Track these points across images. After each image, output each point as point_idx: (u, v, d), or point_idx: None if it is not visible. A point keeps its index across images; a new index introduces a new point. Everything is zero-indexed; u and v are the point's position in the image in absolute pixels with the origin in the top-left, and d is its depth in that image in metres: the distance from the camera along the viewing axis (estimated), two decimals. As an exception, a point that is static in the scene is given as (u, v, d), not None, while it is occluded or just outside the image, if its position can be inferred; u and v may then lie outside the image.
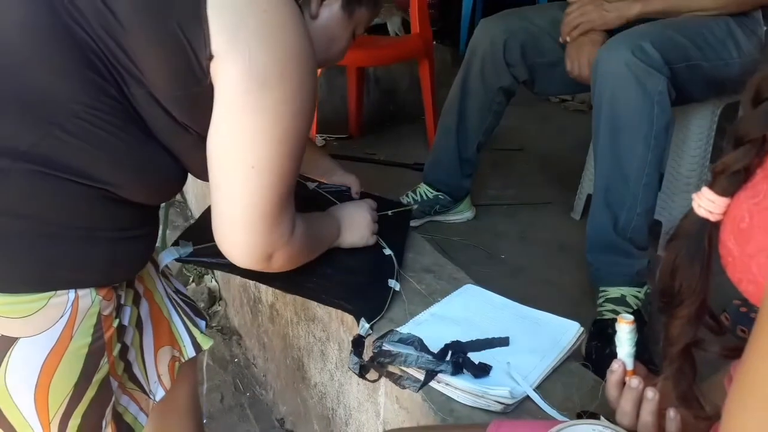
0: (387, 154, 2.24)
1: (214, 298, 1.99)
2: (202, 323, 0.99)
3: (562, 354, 0.95)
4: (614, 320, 1.24)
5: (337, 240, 1.07)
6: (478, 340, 0.95)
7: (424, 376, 0.87)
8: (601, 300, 1.31)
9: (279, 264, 0.85)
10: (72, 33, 0.68)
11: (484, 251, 1.64)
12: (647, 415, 0.63)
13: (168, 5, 0.69)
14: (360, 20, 0.90)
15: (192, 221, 2.04)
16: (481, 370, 0.89)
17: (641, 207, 1.31)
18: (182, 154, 0.77)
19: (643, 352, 1.17)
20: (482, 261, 1.60)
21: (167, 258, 0.97)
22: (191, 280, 2.10)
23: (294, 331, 1.36)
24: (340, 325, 1.12)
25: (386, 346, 0.89)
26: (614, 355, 1.18)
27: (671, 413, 0.61)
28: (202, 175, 0.79)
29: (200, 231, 1.02)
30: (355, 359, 0.94)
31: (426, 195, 1.70)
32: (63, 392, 0.72)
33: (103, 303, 0.74)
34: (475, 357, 0.92)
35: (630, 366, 0.66)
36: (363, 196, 1.26)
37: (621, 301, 1.29)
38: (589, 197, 1.78)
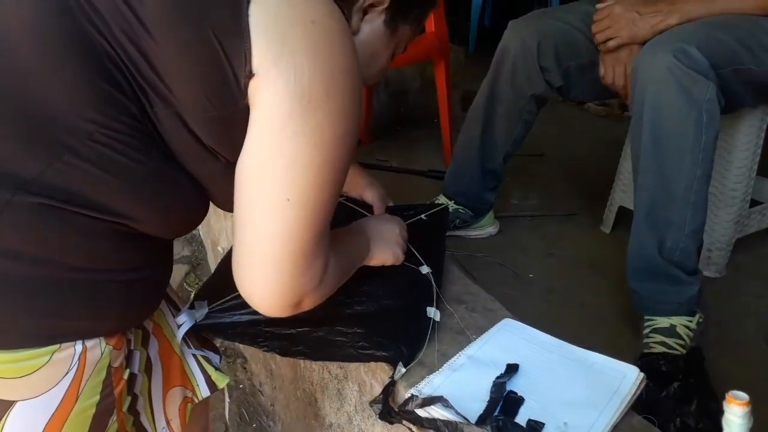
0: (400, 161, 2.12)
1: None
2: (216, 358, 0.90)
3: (624, 406, 0.82)
4: (664, 354, 1.13)
5: (366, 257, 0.94)
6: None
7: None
8: (647, 330, 1.19)
9: (307, 307, 0.73)
10: (87, 36, 0.59)
11: (511, 270, 1.51)
12: None
13: (204, 11, 0.60)
14: (402, 38, 0.80)
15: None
16: (531, 430, 0.76)
17: (690, 227, 1.18)
18: (208, 183, 0.68)
19: (701, 388, 1.04)
20: (509, 281, 1.47)
21: (185, 326, 0.85)
22: (192, 295, 1.97)
23: (306, 363, 1.23)
24: (360, 365, 0.99)
25: (417, 411, 0.77)
26: (669, 397, 1.06)
27: None
28: (227, 205, 0.69)
29: (216, 287, 0.92)
30: (379, 406, 0.82)
31: None
32: None
33: (113, 353, 0.66)
34: (524, 412, 0.79)
35: None
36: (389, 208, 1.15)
37: (671, 331, 1.16)
38: (621, 210, 1.66)
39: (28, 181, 0.57)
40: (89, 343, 0.63)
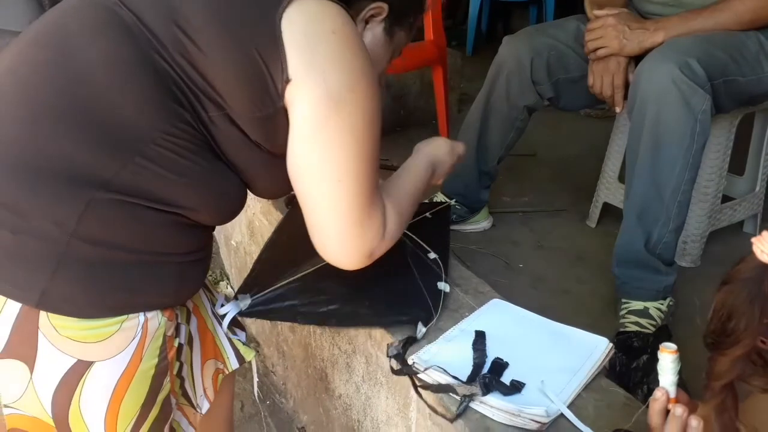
0: (400, 160, 2.22)
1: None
2: (243, 335, 1.01)
3: (593, 371, 0.96)
4: (637, 332, 1.27)
5: (433, 179, 1.07)
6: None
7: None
8: (623, 312, 1.32)
9: (380, 253, 0.86)
10: (153, 63, 0.71)
11: (503, 261, 1.65)
12: None
13: (246, 31, 0.72)
14: (399, 43, 0.93)
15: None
16: (514, 389, 0.90)
17: (674, 224, 1.31)
18: (251, 172, 0.81)
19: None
20: (501, 271, 1.61)
21: (231, 314, 0.98)
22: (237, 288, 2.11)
23: (317, 342, 1.36)
24: (367, 339, 1.13)
25: (420, 374, 0.92)
26: (639, 369, 1.20)
27: (693, 422, 0.63)
28: (265, 192, 0.85)
29: (256, 280, 1.06)
30: (396, 349, 0.98)
31: None
32: (131, 414, 0.75)
33: (167, 324, 0.77)
34: (508, 374, 0.93)
35: (673, 394, 0.67)
36: None
37: (644, 313, 1.30)
38: (605, 206, 1.80)
39: (107, 181, 0.69)
40: (149, 315, 0.75)
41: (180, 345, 0.83)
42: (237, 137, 0.76)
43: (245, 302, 1.02)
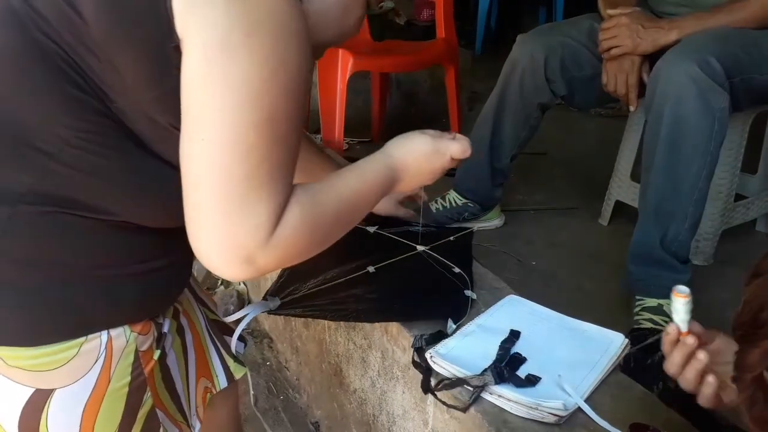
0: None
1: (242, 301, 2.01)
2: (242, 345, 0.98)
3: (609, 365, 0.97)
4: (651, 329, 1.28)
5: (391, 189, 0.83)
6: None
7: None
8: (638, 309, 1.33)
9: (267, 266, 0.64)
10: (39, 45, 0.61)
11: (515, 258, 1.66)
12: (692, 371, 0.70)
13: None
14: (354, 11, 0.78)
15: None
16: (528, 382, 0.90)
17: (690, 221, 1.32)
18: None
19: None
20: (514, 268, 1.61)
21: (256, 311, 0.99)
22: (219, 282, 2.12)
23: (331, 338, 1.37)
24: (383, 334, 1.13)
25: (435, 367, 0.93)
26: (654, 366, 1.20)
27: (710, 379, 0.69)
28: None
29: (286, 284, 1.08)
30: (425, 340, 0.98)
31: (455, 202, 1.72)
32: None
33: (139, 339, 0.71)
34: (525, 368, 0.94)
35: (684, 329, 0.72)
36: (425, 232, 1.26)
37: (658, 310, 1.30)
38: (617, 204, 1.80)
39: (24, 194, 0.61)
40: (114, 332, 0.68)
41: (165, 354, 0.77)
42: (149, 124, 0.63)
43: (275, 303, 1.04)
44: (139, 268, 0.69)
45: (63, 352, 0.65)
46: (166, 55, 0.59)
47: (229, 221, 0.60)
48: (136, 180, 0.65)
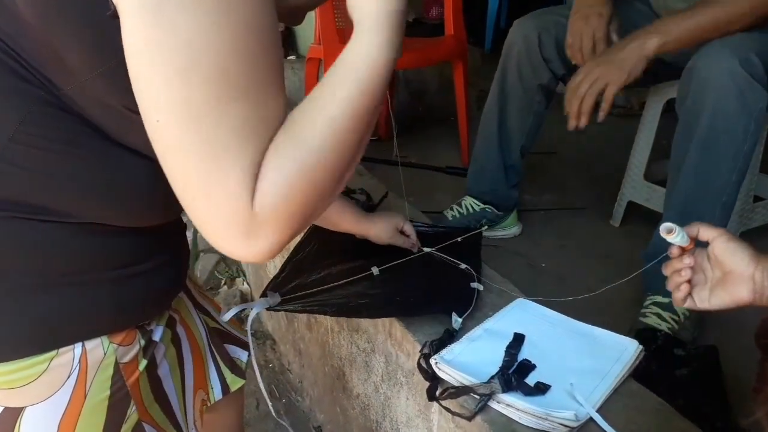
0: (419, 157, 2.22)
1: (246, 300, 1.99)
2: (244, 354, 0.94)
3: (622, 374, 0.92)
4: (654, 330, 1.23)
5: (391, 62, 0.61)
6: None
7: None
8: (647, 302, 1.29)
9: (276, 233, 0.52)
10: None
11: (525, 259, 1.61)
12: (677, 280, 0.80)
13: None
14: None
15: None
16: (537, 390, 0.86)
17: (717, 225, 1.26)
18: (149, 149, 0.54)
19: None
20: (523, 270, 1.57)
21: (257, 308, 0.97)
22: (223, 282, 2.10)
23: (335, 340, 1.34)
24: (387, 338, 1.10)
25: (440, 374, 0.89)
26: (663, 372, 1.16)
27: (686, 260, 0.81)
28: None
29: (286, 279, 1.07)
30: (437, 342, 0.95)
31: (473, 208, 1.67)
32: None
33: (119, 350, 0.66)
34: (534, 376, 0.90)
35: (686, 243, 0.79)
36: (432, 233, 1.25)
37: (668, 306, 1.26)
38: (629, 204, 1.76)
39: None
40: (89, 345, 0.63)
41: (155, 363, 0.73)
42: (104, 109, 0.56)
43: (275, 299, 1.01)
44: (118, 273, 0.63)
45: (31, 368, 0.61)
46: (102, 25, 0.50)
47: (213, 203, 0.51)
48: (101, 175, 0.58)
